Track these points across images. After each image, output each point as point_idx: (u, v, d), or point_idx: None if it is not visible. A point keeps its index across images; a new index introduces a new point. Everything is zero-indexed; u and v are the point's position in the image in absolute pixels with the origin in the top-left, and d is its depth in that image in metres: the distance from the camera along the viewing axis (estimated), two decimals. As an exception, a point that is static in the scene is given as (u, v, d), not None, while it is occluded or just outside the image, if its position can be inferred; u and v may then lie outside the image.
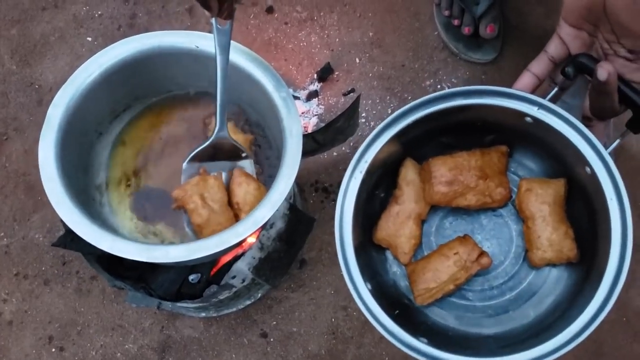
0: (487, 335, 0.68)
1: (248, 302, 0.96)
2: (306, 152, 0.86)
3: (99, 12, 1.12)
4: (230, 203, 0.76)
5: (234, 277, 0.81)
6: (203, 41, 0.77)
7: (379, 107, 1.06)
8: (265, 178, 0.82)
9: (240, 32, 1.10)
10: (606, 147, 0.63)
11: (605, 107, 0.62)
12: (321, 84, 1.08)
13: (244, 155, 0.78)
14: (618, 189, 0.61)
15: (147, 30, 1.11)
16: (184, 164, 0.77)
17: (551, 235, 0.67)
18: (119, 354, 0.98)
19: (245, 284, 0.84)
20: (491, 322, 0.70)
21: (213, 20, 0.70)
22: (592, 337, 0.95)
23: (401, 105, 0.69)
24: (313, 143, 0.88)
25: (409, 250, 0.71)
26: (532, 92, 0.65)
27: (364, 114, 1.06)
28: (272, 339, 0.98)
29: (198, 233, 0.75)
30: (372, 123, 1.05)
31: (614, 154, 0.99)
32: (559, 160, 0.68)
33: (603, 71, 0.58)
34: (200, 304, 0.89)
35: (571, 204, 0.70)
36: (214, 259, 0.81)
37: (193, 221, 0.75)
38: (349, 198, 0.67)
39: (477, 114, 0.68)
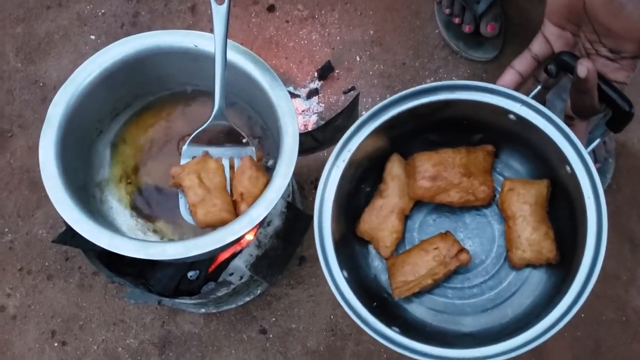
0: (464, 332, 0.69)
1: (247, 299, 0.97)
2: (306, 150, 0.87)
3: (103, 11, 1.13)
4: (232, 192, 0.76)
5: (231, 274, 0.82)
6: (202, 40, 0.78)
7: (379, 105, 1.06)
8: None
9: (241, 31, 1.11)
10: (586, 147, 0.63)
11: (585, 105, 0.63)
12: (322, 82, 1.08)
13: (244, 141, 0.78)
14: (595, 188, 0.61)
15: (149, 28, 1.12)
16: (184, 147, 0.77)
17: (531, 235, 0.67)
18: (120, 349, 1.00)
19: (243, 281, 0.85)
20: (469, 320, 0.70)
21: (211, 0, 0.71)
22: (591, 336, 0.96)
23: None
24: (313, 141, 0.88)
25: (391, 245, 0.72)
26: (515, 89, 0.65)
27: (363, 112, 1.06)
28: (271, 335, 0.99)
29: (193, 214, 0.74)
30: (372, 121, 1.05)
31: (614, 152, 1.00)
32: (544, 161, 0.68)
33: (582, 68, 0.59)
34: (200, 300, 0.90)
35: (555, 206, 0.70)
36: (211, 256, 0.82)
37: (188, 200, 0.74)
38: (329, 186, 0.67)
39: (462, 110, 0.68)
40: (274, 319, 0.99)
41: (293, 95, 1.07)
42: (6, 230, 1.05)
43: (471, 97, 0.65)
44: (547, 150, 0.65)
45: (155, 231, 0.81)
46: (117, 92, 0.80)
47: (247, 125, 0.83)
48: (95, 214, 0.76)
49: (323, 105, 1.08)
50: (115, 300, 1.01)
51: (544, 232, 0.67)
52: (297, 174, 1.02)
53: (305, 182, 1.05)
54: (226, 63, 0.74)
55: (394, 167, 0.73)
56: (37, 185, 1.06)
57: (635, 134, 1.04)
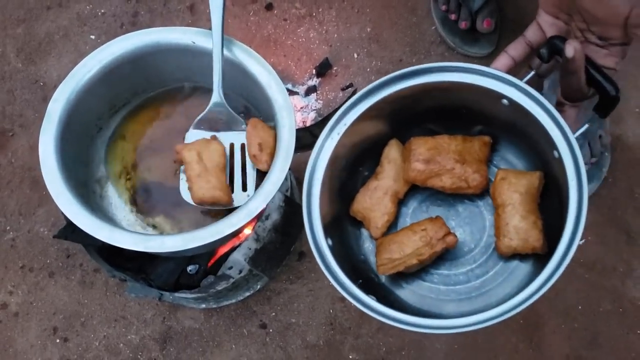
0: (445, 316, 0.69)
1: (247, 294, 0.98)
2: (304, 146, 0.88)
3: (102, 11, 1.15)
4: (249, 152, 0.77)
5: (230, 267, 0.82)
6: (200, 37, 0.79)
7: (377, 102, 1.07)
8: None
9: (240, 29, 1.12)
10: (574, 132, 0.64)
11: (572, 87, 0.64)
12: (320, 79, 1.09)
13: (243, 127, 0.80)
14: (579, 172, 0.62)
15: (149, 27, 1.12)
16: (187, 133, 0.80)
17: (519, 223, 0.68)
18: (121, 345, 1.01)
19: (242, 274, 0.85)
20: (452, 306, 0.71)
21: None
22: (589, 327, 0.96)
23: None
24: (310, 137, 0.89)
25: (382, 226, 0.73)
26: (508, 73, 0.67)
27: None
28: (271, 330, 0.99)
29: (190, 189, 0.77)
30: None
31: (610, 146, 1.00)
32: (538, 153, 0.69)
33: (570, 47, 0.60)
34: (200, 295, 0.90)
35: (546, 201, 0.71)
36: (211, 249, 0.83)
37: (186, 174, 0.76)
38: (322, 157, 0.69)
39: (457, 94, 0.69)
40: (273, 313, 1.00)
41: (291, 93, 1.08)
42: (8, 228, 1.06)
43: (465, 80, 0.66)
44: (538, 136, 0.66)
45: (154, 226, 0.82)
46: (116, 89, 0.81)
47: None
48: (95, 209, 0.76)
49: (321, 102, 1.09)
50: (117, 296, 1.02)
51: (532, 221, 0.68)
52: (295, 170, 1.02)
53: (303, 178, 1.05)
54: (223, 51, 0.75)
55: (392, 151, 0.74)
56: (38, 183, 1.07)
57: (630, 128, 1.04)
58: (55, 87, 0.76)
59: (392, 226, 0.75)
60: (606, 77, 0.62)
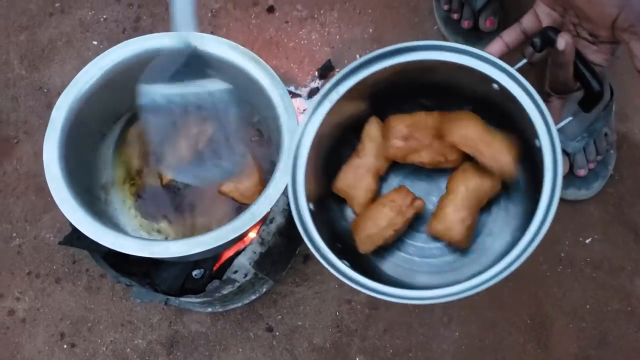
0: (417, 286, 0.71)
1: (253, 297, 0.98)
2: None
3: (104, 16, 1.15)
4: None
5: (236, 271, 0.82)
6: (201, 42, 0.78)
7: (380, 103, 1.07)
8: (265, 175, 0.84)
9: (242, 32, 1.12)
10: (557, 124, 0.65)
11: (560, 79, 0.65)
12: (322, 81, 1.09)
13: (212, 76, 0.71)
14: (556, 163, 0.63)
15: (151, 33, 1.13)
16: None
17: (451, 212, 0.70)
18: (128, 350, 1.01)
19: (247, 278, 0.86)
20: (424, 277, 0.73)
21: None
22: (597, 327, 0.96)
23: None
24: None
25: (365, 202, 0.74)
26: (500, 58, 0.68)
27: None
28: (277, 333, 0.99)
29: None
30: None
31: (616, 143, 1.00)
32: (523, 139, 0.70)
33: (561, 40, 0.61)
34: (206, 299, 0.91)
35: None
36: (215, 254, 0.83)
37: None
38: (313, 122, 0.70)
39: (449, 75, 0.70)
40: (279, 316, 1.00)
41: (294, 95, 1.08)
42: (14, 235, 1.06)
43: (460, 61, 0.67)
44: (524, 123, 0.67)
45: (159, 231, 0.82)
46: (118, 95, 0.81)
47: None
48: (99, 215, 0.77)
49: (324, 104, 1.08)
50: (123, 301, 1.02)
51: (462, 217, 0.70)
52: (299, 173, 1.02)
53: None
54: None
55: (372, 129, 0.75)
56: (43, 190, 1.08)
57: (637, 125, 1.04)
58: (59, 93, 0.76)
59: (373, 201, 0.76)
60: (593, 73, 0.63)
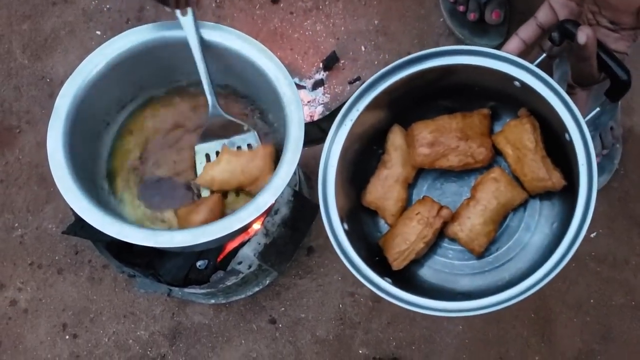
0: (458, 291, 0.71)
1: (256, 289, 0.97)
2: (312, 141, 0.87)
3: (108, 6, 1.14)
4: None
5: (240, 262, 0.82)
6: (206, 31, 0.78)
7: (385, 95, 1.07)
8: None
9: (246, 23, 1.11)
10: (585, 116, 0.65)
11: (584, 72, 0.64)
12: (327, 72, 1.08)
13: (245, 128, 0.81)
14: (589, 156, 0.63)
15: (154, 22, 1.12)
16: (196, 146, 0.82)
17: (478, 224, 0.70)
18: (130, 341, 1.00)
19: (251, 270, 0.85)
20: (466, 280, 0.72)
21: (177, 13, 0.74)
22: (601, 321, 0.96)
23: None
24: (319, 131, 0.88)
25: (397, 212, 0.74)
26: (520, 56, 0.67)
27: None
28: (280, 325, 0.99)
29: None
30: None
31: (621, 137, 0.99)
32: (551, 132, 0.69)
33: (582, 34, 0.60)
34: (209, 290, 0.90)
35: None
36: (220, 244, 0.83)
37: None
38: (337, 143, 0.70)
39: (469, 76, 0.69)
40: (283, 308, 1.00)
41: (298, 87, 1.08)
42: (16, 225, 1.06)
43: (477, 63, 0.67)
44: (550, 118, 0.66)
45: (163, 221, 0.82)
46: (123, 84, 0.81)
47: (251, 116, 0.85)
48: (103, 204, 0.76)
49: (329, 95, 1.08)
50: (125, 292, 1.02)
51: (488, 231, 0.70)
52: (304, 165, 1.02)
53: (312, 173, 1.05)
54: (207, 65, 0.77)
55: (396, 138, 0.75)
56: (46, 180, 1.07)
57: (643, 119, 1.03)
58: (62, 83, 0.76)
59: (404, 210, 0.75)
60: (617, 62, 0.62)
